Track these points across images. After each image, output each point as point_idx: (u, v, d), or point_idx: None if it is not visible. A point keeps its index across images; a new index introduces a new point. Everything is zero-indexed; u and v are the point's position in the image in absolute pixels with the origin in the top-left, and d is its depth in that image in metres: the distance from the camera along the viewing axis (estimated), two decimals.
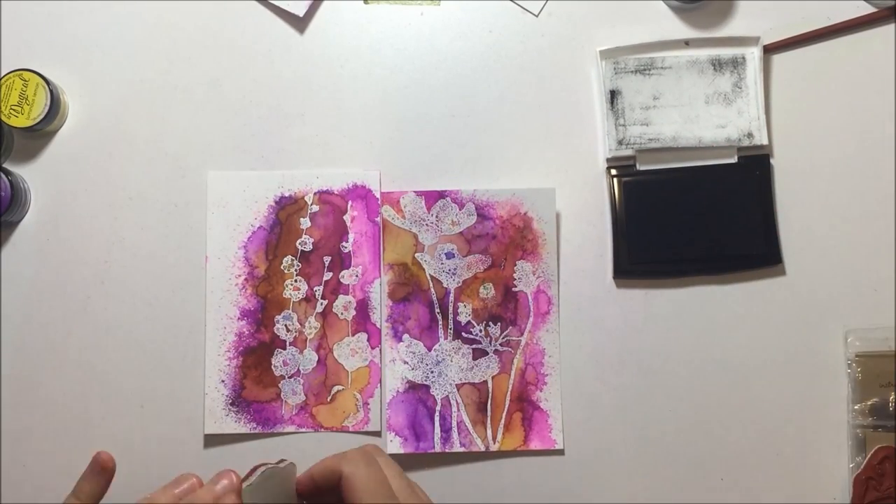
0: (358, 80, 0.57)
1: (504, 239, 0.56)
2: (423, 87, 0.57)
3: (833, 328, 0.56)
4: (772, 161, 0.57)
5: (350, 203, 0.55)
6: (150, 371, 0.55)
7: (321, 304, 0.55)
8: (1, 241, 0.55)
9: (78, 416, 0.53)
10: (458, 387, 0.55)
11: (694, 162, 0.57)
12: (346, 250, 0.55)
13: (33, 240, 0.55)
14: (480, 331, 0.55)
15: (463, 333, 0.55)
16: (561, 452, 0.55)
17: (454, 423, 0.55)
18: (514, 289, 0.56)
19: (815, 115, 0.57)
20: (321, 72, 0.57)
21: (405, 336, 0.55)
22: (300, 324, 0.55)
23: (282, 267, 0.55)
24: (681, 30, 0.57)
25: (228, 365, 0.54)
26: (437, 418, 0.55)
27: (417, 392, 0.55)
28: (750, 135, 0.56)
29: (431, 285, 0.55)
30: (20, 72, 0.53)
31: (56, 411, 0.54)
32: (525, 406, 0.55)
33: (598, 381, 0.56)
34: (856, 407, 0.55)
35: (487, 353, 0.55)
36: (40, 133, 0.55)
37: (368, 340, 0.55)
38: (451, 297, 0.55)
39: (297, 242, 0.55)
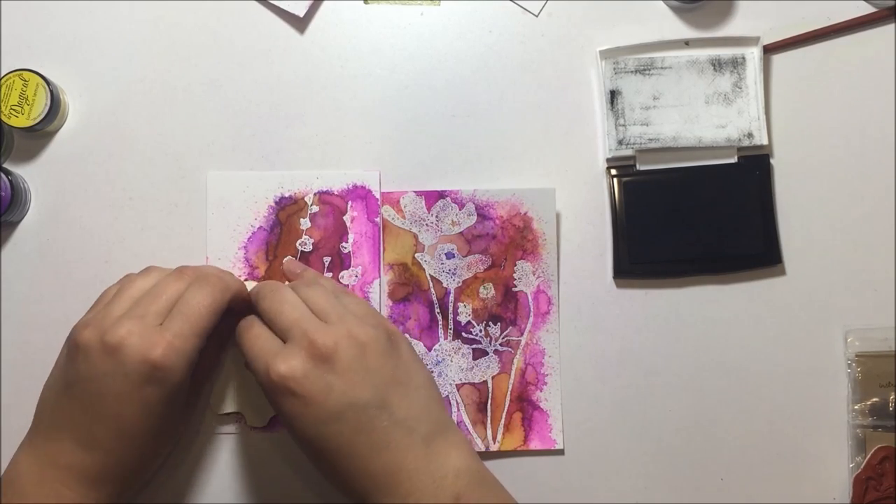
0: (358, 80, 0.57)
1: (504, 239, 0.56)
2: (423, 87, 0.57)
3: (833, 328, 0.56)
4: (772, 161, 0.57)
5: (350, 203, 0.55)
6: None
7: None
8: (1, 241, 0.55)
9: None
10: (458, 387, 0.55)
11: (694, 162, 0.57)
12: (346, 251, 0.55)
13: (33, 240, 0.55)
14: (480, 331, 0.55)
15: (463, 333, 0.55)
16: (561, 452, 0.55)
17: None
18: (514, 289, 0.56)
19: (815, 115, 0.57)
20: (321, 72, 0.57)
21: (405, 336, 0.55)
22: None
23: (282, 268, 0.55)
24: (681, 30, 0.57)
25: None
26: None
27: None
28: (750, 135, 0.56)
29: (431, 285, 0.55)
30: (20, 72, 0.53)
31: None
32: (525, 406, 0.55)
33: (598, 381, 0.56)
34: (856, 407, 0.55)
35: (487, 353, 0.55)
36: (40, 133, 0.55)
37: None
38: (451, 297, 0.55)
39: (297, 243, 0.55)
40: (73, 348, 0.46)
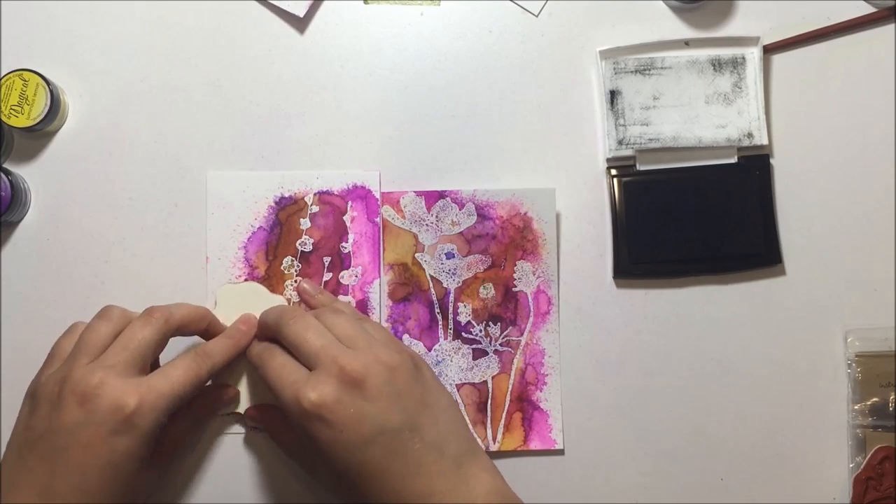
0: (358, 80, 0.57)
1: (504, 239, 0.56)
2: (424, 87, 0.57)
3: (833, 328, 0.56)
4: (772, 161, 0.57)
5: (350, 203, 0.55)
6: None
7: None
8: (1, 241, 0.55)
9: None
10: (458, 387, 0.55)
11: (694, 162, 0.57)
12: (346, 251, 0.55)
13: (33, 240, 0.55)
14: (480, 331, 0.55)
15: (463, 333, 0.55)
16: (561, 452, 0.55)
17: None
18: (514, 289, 0.56)
19: (815, 115, 0.57)
20: (321, 72, 0.57)
21: (405, 336, 0.55)
22: None
23: (282, 268, 0.55)
24: (681, 30, 0.57)
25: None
26: None
27: None
28: (750, 135, 0.56)
29: (431, 285, 0.55)
30: (20, 72, 0.53)
31: None
32: (525, 406, 0.55)
33: (598, 381, 0.56)
34: (856, 407, 0.55)
35: (487, 353, 0.55)
36: (40, 133, 0.55)
37: None
38: (451, 297, 0.55)
39: (297, 243, 0.55)
40: (41, 400, 0.45)
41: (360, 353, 0.46)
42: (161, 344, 0.48)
